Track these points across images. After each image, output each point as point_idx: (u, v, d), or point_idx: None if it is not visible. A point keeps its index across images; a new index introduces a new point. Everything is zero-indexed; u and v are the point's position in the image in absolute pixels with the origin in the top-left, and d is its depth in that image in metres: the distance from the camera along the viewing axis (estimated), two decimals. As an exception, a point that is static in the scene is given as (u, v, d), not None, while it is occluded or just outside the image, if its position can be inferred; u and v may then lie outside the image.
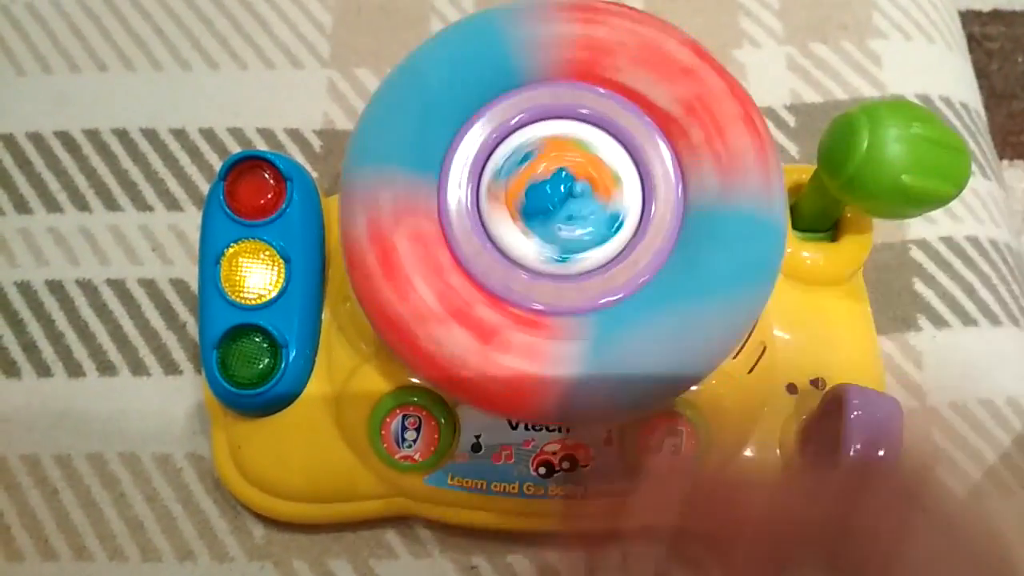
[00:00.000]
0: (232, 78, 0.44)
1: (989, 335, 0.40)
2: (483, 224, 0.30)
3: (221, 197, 0.34)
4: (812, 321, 0.36)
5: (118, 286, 0.40)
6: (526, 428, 0.34)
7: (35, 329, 0.40)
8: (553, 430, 0.34)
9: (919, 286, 0.41)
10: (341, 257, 0.31)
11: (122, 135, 0.43)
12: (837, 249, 0.36)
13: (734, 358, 0.34)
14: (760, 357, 0.34)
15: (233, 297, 0.34)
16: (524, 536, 0.36)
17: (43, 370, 0.39)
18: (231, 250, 0.34)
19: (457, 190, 0.31)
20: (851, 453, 0.30)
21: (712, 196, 0.30)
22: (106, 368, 0.39)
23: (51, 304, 0.40)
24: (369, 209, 0.30)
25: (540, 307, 0.29)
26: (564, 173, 0.30)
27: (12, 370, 0.39)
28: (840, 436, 0.31)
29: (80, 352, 0.39)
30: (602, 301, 0.29)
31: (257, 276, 0.34)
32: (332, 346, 0.35)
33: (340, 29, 0.46)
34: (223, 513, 0.37)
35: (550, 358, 0.28)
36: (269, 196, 0.35)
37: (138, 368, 0.39)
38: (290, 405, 0.34)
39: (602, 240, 0.30)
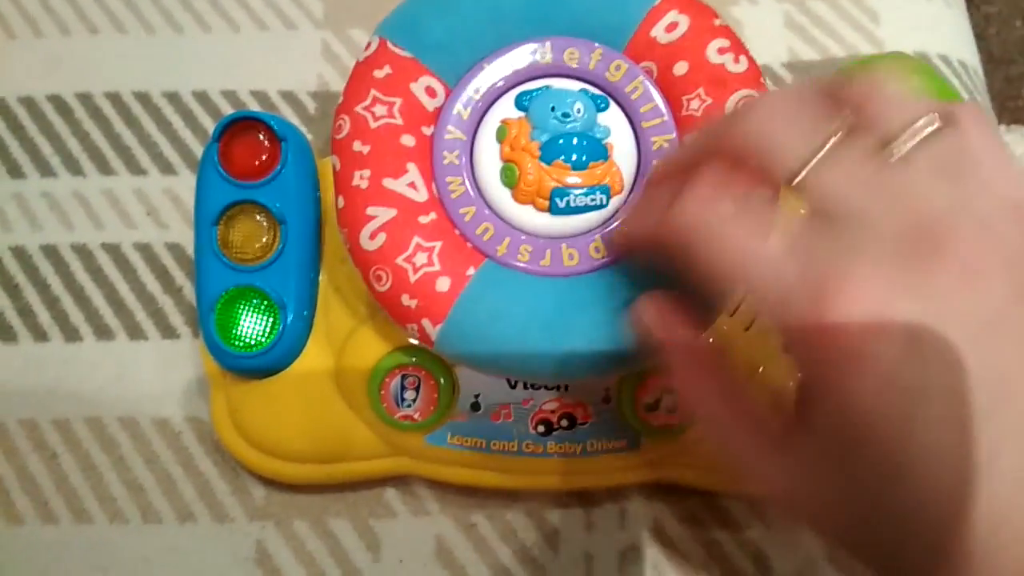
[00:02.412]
0: (225, 40, 0.44)
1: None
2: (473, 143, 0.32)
3: (215, 159, 0.34)
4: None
5: (113, 250, 0.40)
6: (525, 387, 0.34)
7: (31, 294, 0.39)
8: (552, 388, 0.34)
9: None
10: (335, 219, 0.32)
11: (115, 98, 0.43)
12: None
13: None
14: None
15: (230, 259, 0.34)
16: (523, 494, 0.36)
17: (40, 335, 0.39)
18: (227, 212, 0.34)
19: (464, 103, 0.32)
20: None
21: None
22: (103, 332, 0.39)
23: (46, 269, 0.40)
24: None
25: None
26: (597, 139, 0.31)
27: (9, 335, 0.39)
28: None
29: (76, 317, 0.39)
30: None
31: (253, 238, 0.34)
32: (329, 308, 0.35)
33: (333, -10, 0.45)
34: (223, 475, 0.37)
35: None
36: (264, 157, 0.34)
37: (135, 332, 0.39)
38: (289, 367, 0.34)
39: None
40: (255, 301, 0.34)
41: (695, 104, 0.31)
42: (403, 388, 0.33)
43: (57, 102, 0.43)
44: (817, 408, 0.21)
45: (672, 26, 0.32)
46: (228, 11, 0.45)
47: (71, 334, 0.39)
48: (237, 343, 0.33)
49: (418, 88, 0.32)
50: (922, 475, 0.19)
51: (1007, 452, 0.18)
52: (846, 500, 0.21)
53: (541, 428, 0.34)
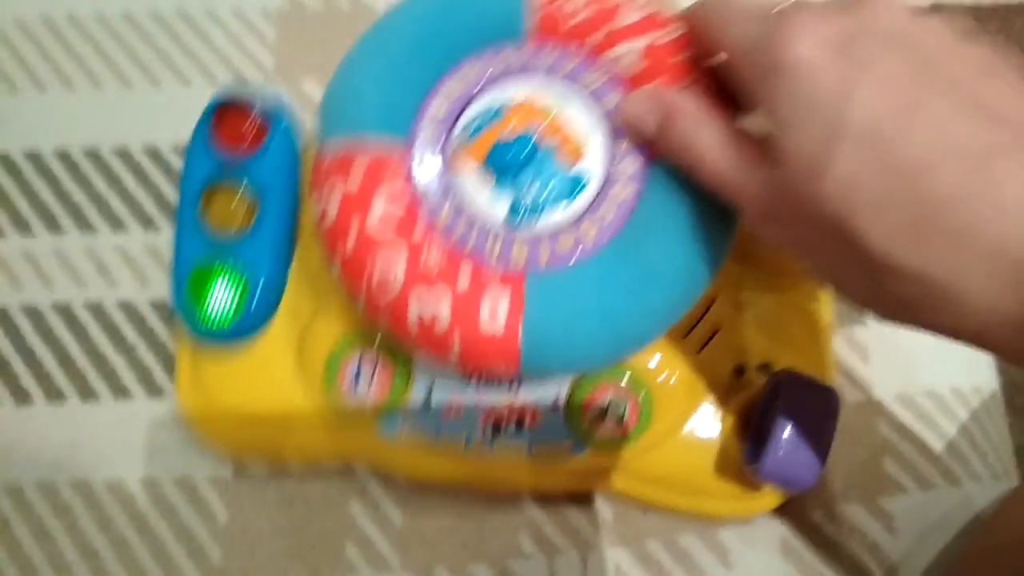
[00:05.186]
0: (175, 95, 0.44)
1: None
2: (453, 184, 0.31)
3: (205, 133, 0.36)
4: (766, 307, 0.37)
5: (65, 311, 0.40)
6: (478, 385, 0.34)
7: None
8: (503, 389, 0.34)
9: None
10: (312, 200, 0.31)
11: (63, 156, 0.42)
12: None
13: (684, 336, 0.35)
14: (711, 337, 0.35)
15: (207, 231, 0.35)
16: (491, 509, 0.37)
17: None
18: (209, 185, 0.35)
19: (428, 150, 0.31)
20: (782, 437, 0.32)
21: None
22: (56, 395, 0.38)
23: (-4, 331, 0.40)
24: (342, 181, 0.30)
25: (500, 266, 0.29)
26: (529, 136, 0.30)
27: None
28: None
29: (27, 380, 0.39)
30: (548, 265, 0.29)
31: (233, 212, 0.35)
32: (298, 286, 0.36)
33: (283, 41, 0.46)
34: (178, 537, 0.36)
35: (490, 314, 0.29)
36: (250, 134, 0.36)
37: (87, 394, 0.39)
38: (254, 339, 0.35)
39: (563, 200, 0.30)
40: (227, 272, 0.35)
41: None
42: (359, 372, 0.34)
43: (4, 161, 0.42)
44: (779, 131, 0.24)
45: None
46: (177, 64, 0.45)
47: (23, 397, 0.38)
48: (206, 311, 0.34)
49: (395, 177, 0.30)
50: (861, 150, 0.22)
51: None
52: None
53: (488, 430, 0.34)
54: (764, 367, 0.36)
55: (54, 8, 0.45)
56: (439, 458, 0.35)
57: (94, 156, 0.42)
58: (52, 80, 0.44)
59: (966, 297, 0.21)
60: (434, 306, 0.28)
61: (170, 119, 0.43)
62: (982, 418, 0.40)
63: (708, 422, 0.35)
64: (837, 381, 0.40)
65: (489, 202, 0.30)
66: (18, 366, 0.39)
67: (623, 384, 0.34)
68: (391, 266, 0.28)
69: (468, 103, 0.32)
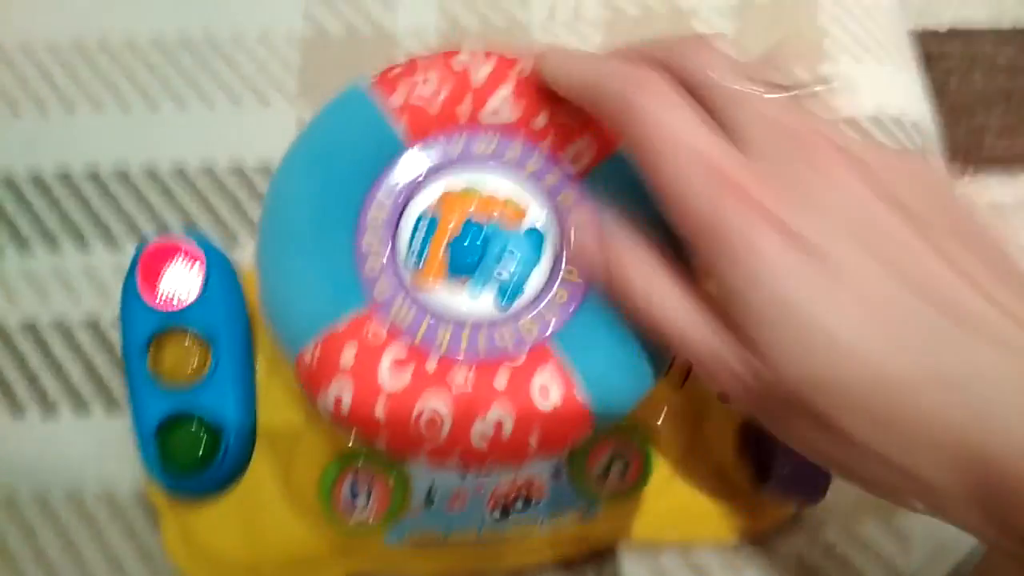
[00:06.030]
0: (200, 118, 0.45)
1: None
2: (432, 306, 0.29)
3: (136, 289, 0.33)
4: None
5: (91, 326, 0.41)
6: (476, 474, 0.34)
7: (9, 370, 0.40)
8: (503, 470, 0.34)
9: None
10: (266, 328, 0.30)
11: (93, 176, 0.44)
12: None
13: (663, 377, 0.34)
14: (689, 371, 0.35)
15: (163, 386, 0.33)
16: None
17: (17, 409, 0.39)
18: (154, 339, 0.33)
19: (392, 298, 0.29)
20: (787, 451, 0.31)
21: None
22: (80, 406, 0.39)
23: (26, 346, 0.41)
24: (335, 370, 0.28)
25: (521, 350, 0.28)
26: (472, 221, 0.30)
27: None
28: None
29: (55, 392, 0.40)
30: (558, 322, 0.29)
31: (185, 361, 0.34)
32: (271, 417, 0.35)
33: (307, 66, 0.47)
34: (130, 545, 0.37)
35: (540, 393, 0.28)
36: (185, 281, 0.34)
37: (111, 405, 0.39)
38: (237, 483, 0.34)
39: (534, 260, 0.30)
40: (194, 424, 0.33)
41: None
42: (355, 492, 0.33)
43: (37, 181, 0.44)
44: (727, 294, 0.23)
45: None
46: (203, 88, 0.46)
47: (49, 408, 0.39)
48: (181, 468, 0.33)
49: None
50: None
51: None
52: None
53: (497, 512, 0.34)
54: None
55: (86, 33, 0.47)
56: (454, 554, 0.35)
57: (123, 176, 0.44)
58: (82, 102, 0.45)
59: (942, 489, 0.22)
60: (490, 420, 0.27)
61: (196, 141, 0.45)
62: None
63: (708, 449, 0.36)
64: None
65: (473, 301, 0.29)
66: (46, 379, 0.40)
67: (619, 436, 0.34)
68: (429, 406, 0.27)
69: (395, 235, 0.30)
